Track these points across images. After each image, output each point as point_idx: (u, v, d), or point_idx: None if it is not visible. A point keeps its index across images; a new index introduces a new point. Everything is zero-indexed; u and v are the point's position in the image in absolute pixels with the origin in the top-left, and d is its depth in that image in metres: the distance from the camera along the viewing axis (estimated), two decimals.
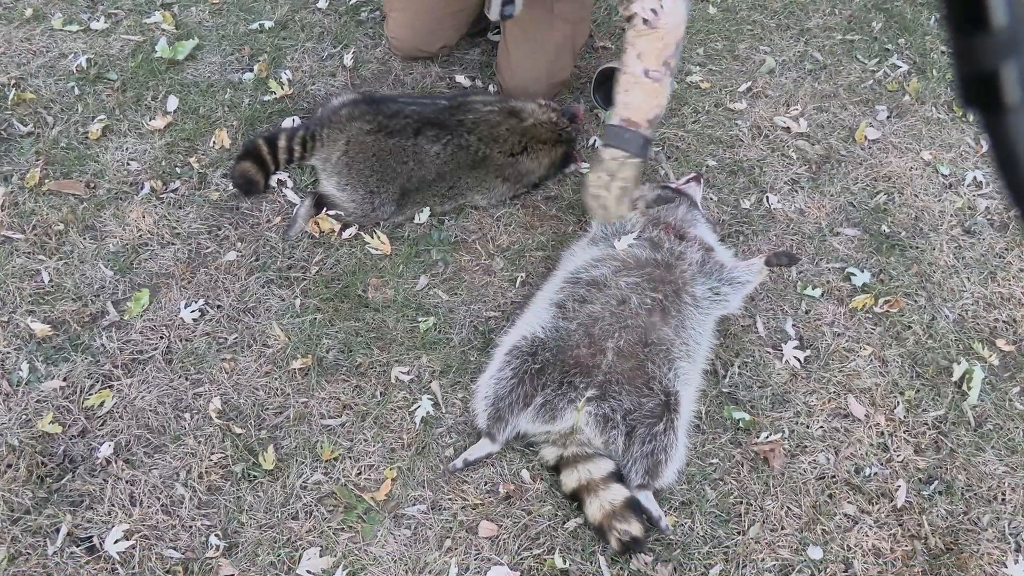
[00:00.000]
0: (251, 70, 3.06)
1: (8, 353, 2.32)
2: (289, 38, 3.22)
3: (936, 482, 2.32)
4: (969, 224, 2.92)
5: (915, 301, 2.70)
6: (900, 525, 2.24)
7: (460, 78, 3.18)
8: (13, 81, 2.91)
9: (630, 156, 2.46)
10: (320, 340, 2.44)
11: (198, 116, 2.91)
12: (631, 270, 2.42)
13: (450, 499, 2.20)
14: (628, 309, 2.33)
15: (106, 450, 2.18)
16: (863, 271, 2.75)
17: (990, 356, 2.57)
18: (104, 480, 2.15)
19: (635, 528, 2.12)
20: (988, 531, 2.24)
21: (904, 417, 2.43)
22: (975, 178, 3.05)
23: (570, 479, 2.21)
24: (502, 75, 3.11)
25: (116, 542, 2.04)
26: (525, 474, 2.26)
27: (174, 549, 2.07)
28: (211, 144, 2.84)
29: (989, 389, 2.51)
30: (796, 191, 2.98)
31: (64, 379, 2.29)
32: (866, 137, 3.17)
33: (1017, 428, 2.43)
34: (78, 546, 2.04)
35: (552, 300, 2.41)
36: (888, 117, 3.26)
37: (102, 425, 2.25)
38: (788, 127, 3.18)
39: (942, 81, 3.39)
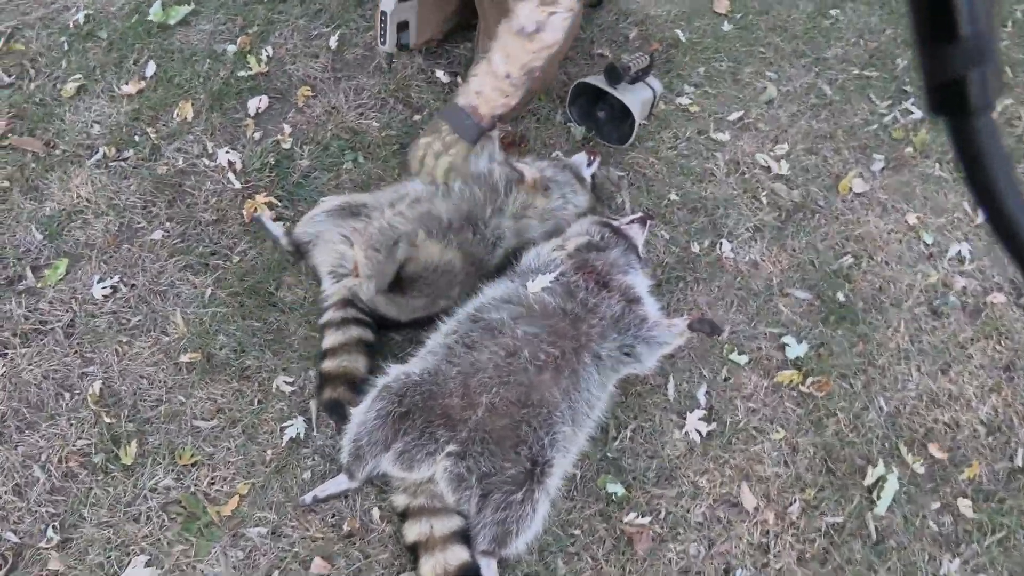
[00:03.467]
0: (235, 43, 2.68)
1: None
2: (284, 12, 2.80)
3: None
4: (938, 304, 2.32)
5: (849, 385, 2.16)
6: None
7: (440, 74, 2.70)
8: (9, 31, 2.63)
9: (464, 143, 2.09)
10: (216, 336, 2.12)
11: (171, 85, 2.56)
12: (533, 318, 1.97)
13: (293, 527, 1.87)
14: (516, 363, 1.90)
15: None
16: (801, 342, 2.21)
17: (915, 462, 2.03)
18: None
19: None
20: None
21: (797, 518, 1.94)
22: (959, 252, 2.42)
23: (412, 531, 1.83)
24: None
25: None
26: (375, 513, 1.90)
27: (13, 533, 1.82)
28: (173, 116, 2.49)
29: (904, 500, 1.98)
30: (756, 240, 2.43)
31: None
32: (851, 188, 2.55)
33: (923, 552, 1.91)
34: None
35: (444, 339, 2.01)
36: (882, 169, 2.62)
37: None
38: (768, 167, 2.59)
39: None
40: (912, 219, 2.50)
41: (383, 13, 2.38)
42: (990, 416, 2.13)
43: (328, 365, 2.04)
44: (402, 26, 2.43)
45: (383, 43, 2.36)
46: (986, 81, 0.53)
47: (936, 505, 1.98)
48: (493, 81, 2.06)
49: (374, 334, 2.13)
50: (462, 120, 2.11)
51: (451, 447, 1.84)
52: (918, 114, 2.77)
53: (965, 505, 1.98)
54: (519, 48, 2.03)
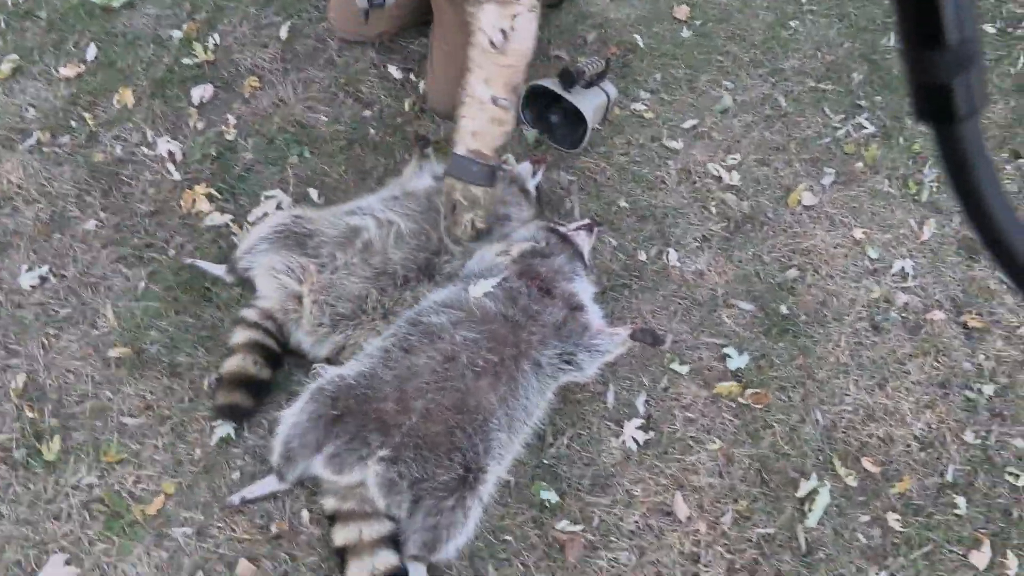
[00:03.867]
0: (181, 28, 2.65)
1: None
2: (234, 1, 2.78)
3: None
4: (879, 319, 2.38)
5: (787, 398, 2.21)
6: None
7: (393, 69, 2.71)
8: None
9: (480, 186, 2.09)
10: (148, 331, 2.10)
11: (112, 70, 2.54)
12: (473, 324, 1.99)
13: (219, 527, 1.87)
14: (453, 369, 1.91)
15: None
16: (742, 354, 2.26)
17: (848, 476, 2.08)
18: None
19: None
20: None
21: (729, 528, 1.98)
22: (903, 268, 2.48)
23: (340, 535, 1.84)
24: (426, 81, 2.64)
25: None
26: (305, 515, 1.90)
27: None
28: (113, 102, 2.47)
29: (835, 513, 2.03)
30: (703, 250, 2.47)
31: None
32: (800, 201, 2.61)
33: (851, 563, 1.96)
34: None
35: (382, 342, 2.01)
36: (833, 183, 2.68)
37: None
38: (720, 177, 2.64)
39: (905, 151, 2.78)
40: (859, 234, 2.56)
41: None
42: (923, 432, 2.19)
43: (231, 365, 2.00)
44: None
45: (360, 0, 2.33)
46: (972, 87, 0.54)
47: (866, 518, 2.04)
48: (483, 113, 2.09)
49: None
50: (470, 169, 2.12)
51: (383, 452, 1.84)
52: (871, 129, 2.84)
53: (894, 519, 2.04)
54: (495, 67, 2.07)
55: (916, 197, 2.68)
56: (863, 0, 3.30)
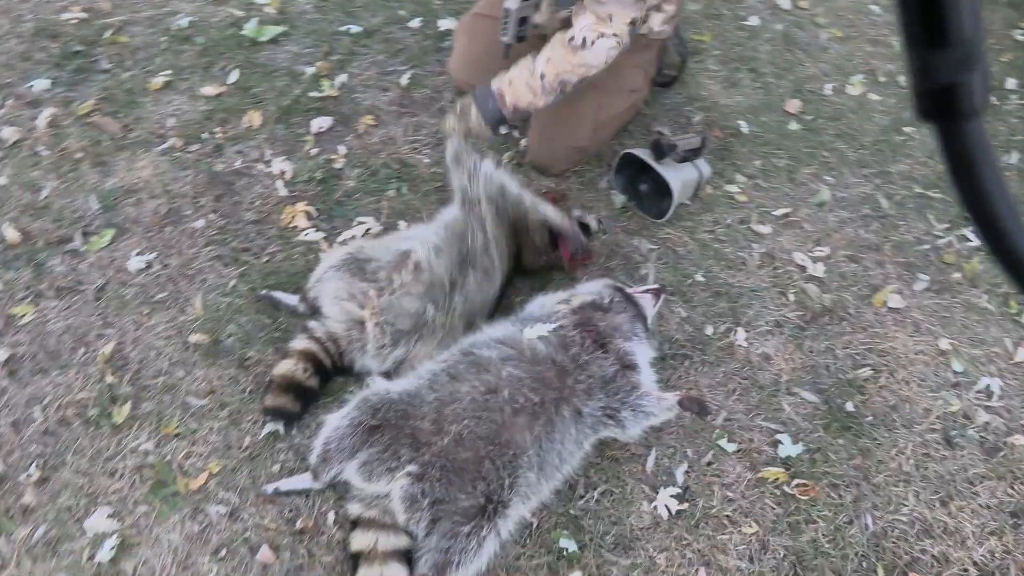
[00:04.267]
0: (314, 65, 2.95)
1: None
2: (368, 47, 3.08)
3: None
4: (954, 435, 2.28)
5: (838, 496, 2.14)
6: None
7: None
8: (119, 24, 2.99)
9: (483, 118, 2.48)
10: (228, 324, 2.30)
11: (247, 94, 2.85)
12: (522, 362, 2.07)
13: (251, 512, 1.99)
14: (492, 401, 1.99)
15: (1, 355, 2.17)
16: (797, 443, 2.21)
17: None
18: None
19: None
20: None
21: None
22: (989, 387, 2.38)
23: (357, 540, 1.92)
24: (529, 136, 2.81)
25: None
26: (331, 516, 2.00)
27: (1, 461, 2.01)
28: (242, 121, 2.77)
29: None
30: (773, 334, 2.46)
31: (3, 285, 2.30)
32: (886, 303, 2.56)
33: None
34: None
35: (433, 366, 2.12)
36: (925, 289, 2.62)
37: (13, 333, 2.23)
38: (804, 266, 2.64)
39: None
40: (945, 344, 2.48)
41: (506, 9, 2.56)
42: (984, 559, 2.06)
43: (282, 368, 2.15)
44: (522, 21, 2.62)
45: (504, 36, 2.57)
46: (976, 87, 0.55)
47: None
48: (527, 76, 2.42)
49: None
50: (487, 99, 2.46)
51: (411, 467, 1.92)
52: (976, 242, 2.77)
53: None
54: (563, 57, 2.38)
55: (1016, 317, 2.58)
56: (988, 115, 3.27)
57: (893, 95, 3.35)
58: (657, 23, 2.65)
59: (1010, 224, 0.58)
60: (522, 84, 2.41)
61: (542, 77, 2.38)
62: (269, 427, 2.12)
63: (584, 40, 2.33)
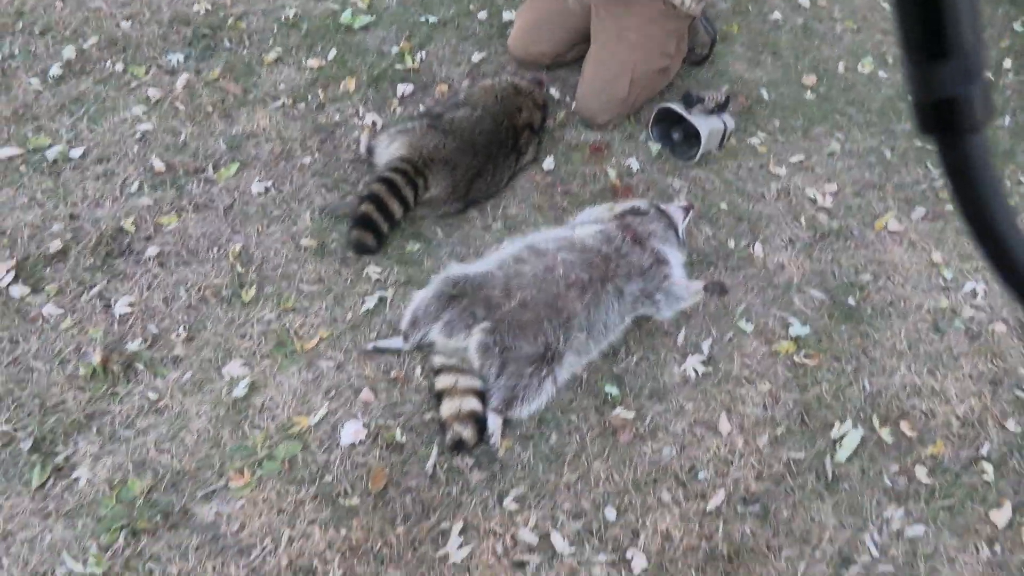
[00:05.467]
0: (398, 45, 3.54)
1: (131, 175, 2.94)
2: (444, 33, 3.66)
3: (757, 505, 2.21)
4: (942, 324, 2.68)
5: (840, 366, 2.55)
6: (700, 525, 2.18)
7: (553, 90, 3.44)
8: (239, 13, 3.62)
9: None
10: (332, 233, 2.82)
11: (344, 67, 3.43)
12: (573, 251, 2.55)
13: (354, 366, 2.47)
14: (550, 276, 2.47)
15: (152, 251, 2.71)
16: (805, 325, 2.64)
17: (884, 431, 2.38)
18: (141, 269, 2.67)
19: (468, 433, 2.28)
20: (781, 563, 2.11)
21: (763, 447, 2.34)
22: (975, 289, 2.79)
23: (441, 381, 2.39)
24: (578, 91, 3.34)
25: (120, 304, 2.55)
26: (417, 370, 2.47)
27: (155, 326, 2.53)
28: (340, 86, 3.34)
29: (866, 456, 2.33)
30: (787, 248, 2.90)
31: (153, 201, 2.86)
32: (886, 226, 2.99)
33: (872, 498, 2.24)
34: (101, 300, 2.58)
35: (500, 254, 2.61)
36: (921, 218, 3.05)
37: (161, 237, 2.78)
38: (815, 199, 3.09)
39: None
40: (937, 257, 2.89)
41: None
42: (966, 413, 2.45)
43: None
44: None
45: None
46: (977, 100, 0.54)
47: (895, 468, 2.32)
48: None
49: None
50: None
51: (485, 324, 2.40)
52: None
53: (923, 472, 2.30)
54: None
55: None
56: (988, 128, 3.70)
57: (899, 73, 3.81)
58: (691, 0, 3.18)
59: (1011, 239, 0.58)
60: None
61: None
62: (368, 304, 2.61)
63: None
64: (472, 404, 2.34)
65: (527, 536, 2.13)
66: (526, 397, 2.36)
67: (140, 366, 2.41)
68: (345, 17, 3.64)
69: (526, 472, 2.26)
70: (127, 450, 2.22)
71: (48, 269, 2.61)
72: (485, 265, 2.58)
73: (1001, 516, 2.22)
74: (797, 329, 2.63)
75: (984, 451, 2.36)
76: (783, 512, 2.21)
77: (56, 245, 2.64)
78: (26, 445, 2.20)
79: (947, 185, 0.58)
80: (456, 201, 2.91)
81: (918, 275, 2.84)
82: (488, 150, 2.93)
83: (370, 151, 2.99)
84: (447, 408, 2.33)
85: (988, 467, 2.31)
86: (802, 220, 3.01)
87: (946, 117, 0.55)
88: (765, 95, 3.55)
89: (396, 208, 2.75)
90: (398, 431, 2.30)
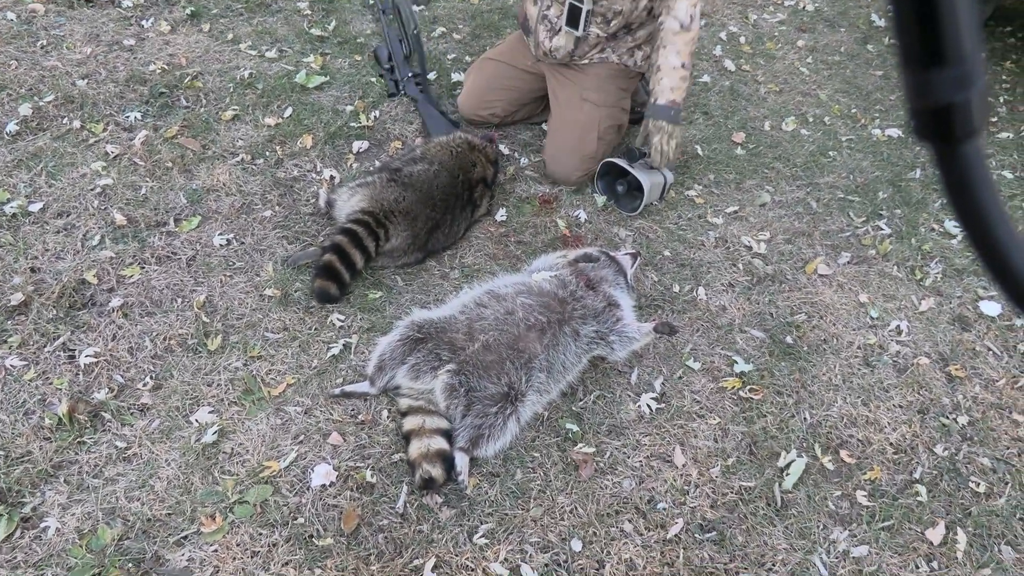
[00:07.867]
0: (352, 104, 3.66)
1: (92, 228, 2.96)
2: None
3: (714, 532, 2.32)
4: (872, 359, 2.88)
5: (782, 400, 2.71)
6: (661, 553, 2.27)
7: (503, 146, 3.60)
8: (195, 73, 3.70)
9: (678, 125, 3.20)
10: (294, 282, 2.88)
11: (300, 124, 3.53)
12: (531, 295, 2.67)
13: (322, 410, 2.51)
14: (511, 319, 2.58)
15: (116, 302, 2.72)
16: (748, 363, 2.80)
17: (826, 459, 2.53)
18: (105, 320, 2.67)
19: (437, 472, 2.33)
20: None
21: (716, 477, 2.46)
22: (899, 327, 3.00)
23: (408, 423, 2.45)
24: (544, 149, 3.50)
25: (85, 355, 2.54)
26: (384, 413, 2.53)
27: (120, 376, 2.54)
28: (297, 143, 3.44)
29: (811, 483, 2.47)
30: (727, 292, 3.09)
31: (115, 253, 2.88)
32: (815, 270, 3.21)
33: (819, 522, 2.38)
34: (65, 352, 2.57)
35: (463, 302, 2.71)
36: (847, 263, 3.28)
37: (124, 288, 2.79)
38: (750, 246, 3.29)
39: (917, 250, 3.36)
40: (863, 298, 3.11)
41: (576, 7, 3.21)
42: (899, 440, 2.62)
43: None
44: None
45: (576, 30, 3.25)
46: (973, 107, 0.54)
47: (838, 493, 2.46)
48: (676, 75, 3.11)
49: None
50: (670, 114, 3.15)
51: (450, 366, 2.49)
52: (888, 231, 3.46)
53: (863, 496, 2.45)
54: (682, 41, 3.08)
55: (921, 282, 3.23)
56: (896, 145, 4.04)
57: (820, 131, 4.12)
58: (639, 59, 3.39)
59: (1008, 244, 0.58)
60: (678, 82, 3.11)
61: (683, 66, 3.08)
62: (333, 351, 2.66)
63: (690, 16, 3.04)
64: (440, 443, 2.40)
65: (498, 570, 2.19)
66: (491, 436, 2.44)
67: (107, 415, 2.40)
68: (300, 77, 3.75)
69: (494, 508, 2.33)
70: (96, 499, 2.21)
71: (10, 322, 2.60)
72: (448, 310, 2.68)
73: (936, 534, 2.38)
74: (741, 366, 2.79)
75: (917, 474, 2.54)
76: (738, 538, 2.33)
77: (18, 297, 2.64)
78: None
79: (943, 191, 0.58)
80: (416, 252, 3.01)
81: (848, 314, 3.05)
82: (446, 203, 3.05)
83: (329, 204, 3.08)
84: (415, 448, 2.39)
85: (922, 489, 2.48)
86: (739, 265, 3.21)
87: (944, 124, 0.55)
88: (700, 151, 3.78)
89: (358, 258, 2.83)
90: (368, 472, 2.35)
